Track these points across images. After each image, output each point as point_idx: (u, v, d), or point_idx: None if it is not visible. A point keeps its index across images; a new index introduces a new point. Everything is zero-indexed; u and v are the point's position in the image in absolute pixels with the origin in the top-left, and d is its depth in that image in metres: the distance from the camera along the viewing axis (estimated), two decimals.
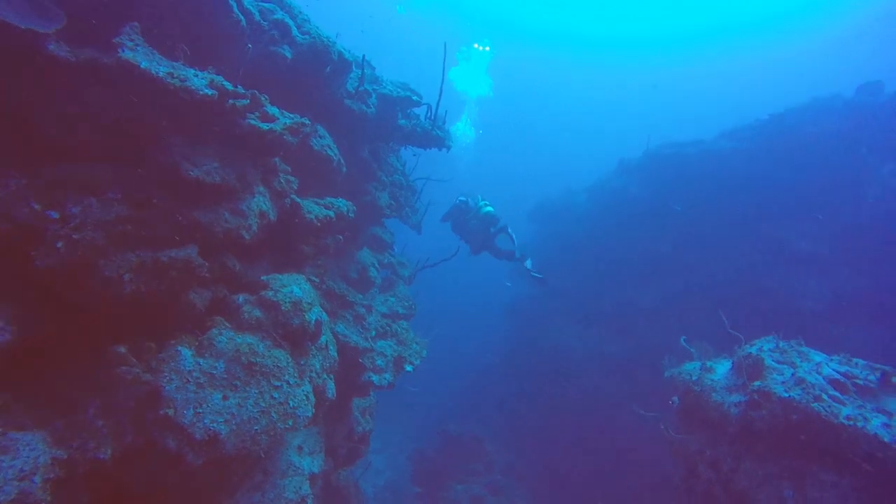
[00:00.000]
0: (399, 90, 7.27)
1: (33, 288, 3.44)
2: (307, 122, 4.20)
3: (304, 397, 4.33)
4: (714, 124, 19.32)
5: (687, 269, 15.21)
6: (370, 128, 6.99)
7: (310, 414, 4.33)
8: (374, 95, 6.64)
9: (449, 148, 8.50)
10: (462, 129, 25.20)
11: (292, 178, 4.92)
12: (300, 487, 5.40)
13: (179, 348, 3.94)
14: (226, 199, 4.15)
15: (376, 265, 9.11)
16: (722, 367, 5.87)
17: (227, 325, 4.25)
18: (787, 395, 4.50)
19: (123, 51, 3.15)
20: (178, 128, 3.93)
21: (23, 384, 3.52)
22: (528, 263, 10.42)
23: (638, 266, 16.17)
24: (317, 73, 5.44)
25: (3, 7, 2.73)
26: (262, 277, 4.69)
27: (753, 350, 5.45)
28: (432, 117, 7.83)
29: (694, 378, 5.76)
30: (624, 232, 16.88)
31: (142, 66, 3.17)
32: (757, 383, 4.88)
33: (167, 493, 4.00)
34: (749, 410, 4.83)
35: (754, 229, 14.64)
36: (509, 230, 9.98)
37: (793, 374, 4.69)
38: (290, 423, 4.14)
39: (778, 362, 5.00)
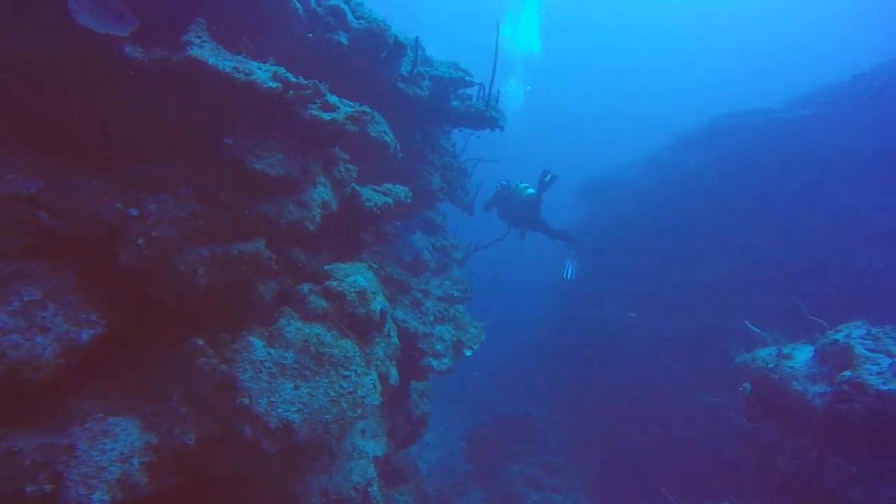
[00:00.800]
0: (451, 71, 7.11)
1: (119, 283, 3.59)
2: (368, 110, 4.15)
3: (372, 386, 4.37)
4: (779, 87, 18.08)
5: (750, 246, 14.42)
6: (423, 111, 6.88)
7: (377, 403, 4.38)
8: (427, 78, 6.52)
9: (502, 128, 8.29)
10: (514, 89, 24.28)
11: (352, 167, 4.90)
12: (366, 471, 5.52)
13: (251, 339, 4.04)
14: (289, 191, 4.17)
15: (430, 248, 9.11)
16: (802, 354, 5.51)
17: (295, 315, 4.32)
18: (885, 388, 4.16)
19: (192, 48, 3.17)
20: (243, 121, 3.96)
21: (114, 373, 3.71)
22: (571, 261, 10.12)
23: (695, 243, 15.47)
24: (372, 59, 5.36)
25: (82, 13, 2.78)
26: (325, 267, 4.73)
27: (840, 337, 5.07)
28: (485, 97, 7.63)
29: (771, 365, 5.45)
30: (680, 207, 16.14)
31: (209, 63, 3.18)
32: (847, 373, 4.55)
33: (245, 476, 4.16)
34: (837, 402, 4.52)
35: (825, 202, 13.66)
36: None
37: (891, 365, 4.33)
38: (360, 412, 4.20)
39: (871, 350, 4.63)
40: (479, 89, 8.09)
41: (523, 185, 9.86)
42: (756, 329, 6.40)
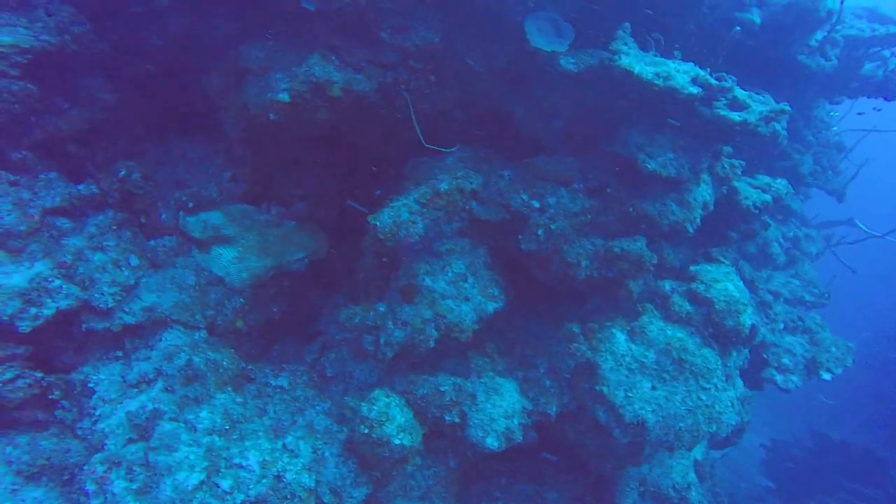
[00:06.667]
0: (871, 28, 5.58)
1: (515, 264, 4.16)
2: (786, 108, 3.61)
3: (730, 404, 4.09)
4: None
5: None
6: (819, 84, 5.68)
7: (734, 422, 4.10)
8: (839, 44, 5.29)
9: None
10: None
11: (736, 163, 4.45)
12: (686, 473, 5.34)
13: (615, 331, 4.19)
14: (674, 190, 4.04)
15: (780, 239, 7.80)
16: None
17: (657, 314, 4.29)
18: None
19: (620, 57, 3.24)
20: (638, 118, 3.93)
21: (497, 339, 4.40)
22: None
23: None
24: (784, 35, 4.58)
25: (536, 35, 3.12)
26: (692, 268, 4.52)
27: None
28: None
29: None
30: None
31: (635, 73, 3.21)
32: None
33: (587, 452, 4.51)
34: None
35: None
36: None
37: None
38: (714, 428, 4.00)
39: None
40: None
41: None
42: None
